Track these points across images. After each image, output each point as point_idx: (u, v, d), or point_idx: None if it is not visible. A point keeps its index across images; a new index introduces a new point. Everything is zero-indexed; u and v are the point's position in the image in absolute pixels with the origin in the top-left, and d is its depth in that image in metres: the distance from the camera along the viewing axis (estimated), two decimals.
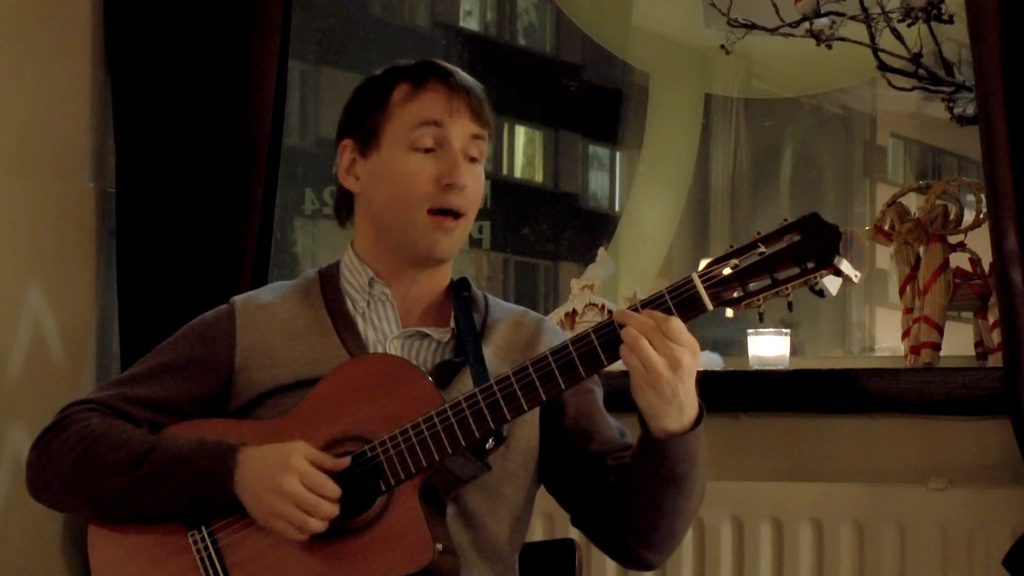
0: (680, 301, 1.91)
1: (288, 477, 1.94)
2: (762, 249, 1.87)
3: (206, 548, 2.02)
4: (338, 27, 4.24)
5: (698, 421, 1.96)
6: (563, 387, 1.95)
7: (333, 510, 1.95)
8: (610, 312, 3.04)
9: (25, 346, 3.04)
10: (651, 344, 1.88)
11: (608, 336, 1.92)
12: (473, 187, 2.13)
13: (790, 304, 1.89)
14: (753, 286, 1.88)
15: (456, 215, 2.12)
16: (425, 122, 2.12)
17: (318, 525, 1.95)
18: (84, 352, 3.15)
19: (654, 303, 1.91)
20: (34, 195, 3.08)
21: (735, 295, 1.89)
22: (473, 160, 2.15)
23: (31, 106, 3.10)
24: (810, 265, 1.85)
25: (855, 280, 1.87)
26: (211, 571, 2.01)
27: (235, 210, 3.01)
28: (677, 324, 1.89)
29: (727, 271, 1.88)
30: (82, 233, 3.17)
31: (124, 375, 2.21)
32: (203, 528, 2.03)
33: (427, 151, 2.12)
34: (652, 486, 2.00)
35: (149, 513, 2.05)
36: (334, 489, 1.95)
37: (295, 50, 3.27)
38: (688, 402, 1.93)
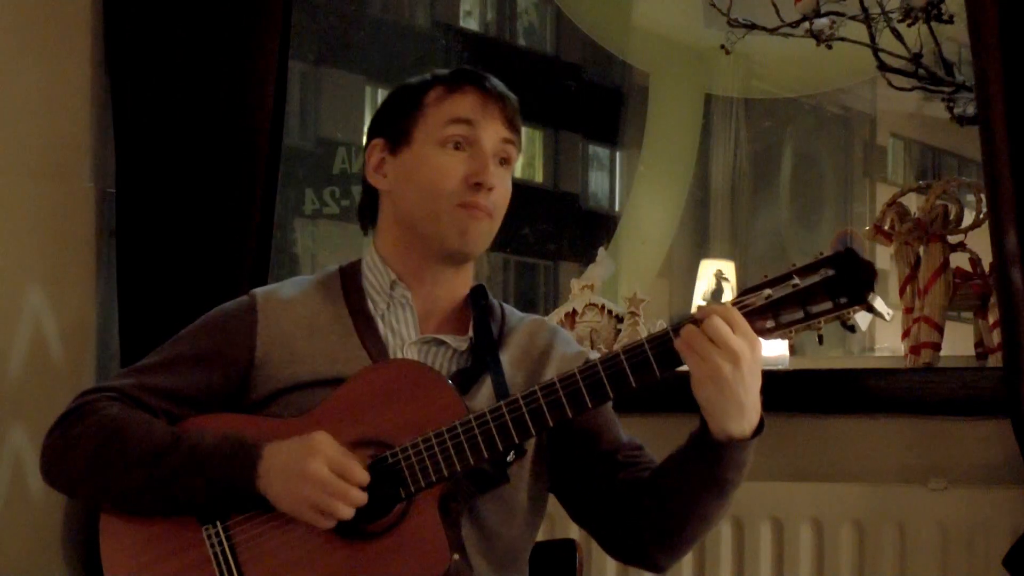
0: None
1: (315, 462, 1.92)
2: (796, 281, 1.86)
3: (220, 544, 2.00)
4: (338, 27, 4.24)
5: (757, 431, 1.93)
6: (589, 406, 1.93)
7: (361, 497, 1.92)
8: (610, 312, 3.04)
9: (25, 346, 3.04)
10: (710, 339, 1.85)
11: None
12: (500, 190, 2.12)
13: (820, 337, 1.88)
14: (785, 318, 1.87)
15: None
16: (457, 119, 2.11)
17: (345, 511, 1.92)
18: (84, 352, 3.15)
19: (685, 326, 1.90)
20: (34, 195, 3.08)
21: (767, 325, 1.88)
22: (503, 163, 2.14)
23: (31, 106, 3.10)
24: (843, 300, 1.84)
25: (887, 318, 1.86)
26: (224, 566, 1.99)
27: (235, 210, 3.01)
28: (737, 317, 1.87)
29: (761, 301, 1.88)
30: (82, 233, 3.17)
31: (142, 363, 2.18)
32: (218, 523, 2.01)
33: (457, 147, 2.10)
34: (694, 488, 1.98)
35: (169, 505, 2.03)
36: (363, 475, 1.93)
37: (295, 50, 3.27)
38: (750, 405, 1.90)
